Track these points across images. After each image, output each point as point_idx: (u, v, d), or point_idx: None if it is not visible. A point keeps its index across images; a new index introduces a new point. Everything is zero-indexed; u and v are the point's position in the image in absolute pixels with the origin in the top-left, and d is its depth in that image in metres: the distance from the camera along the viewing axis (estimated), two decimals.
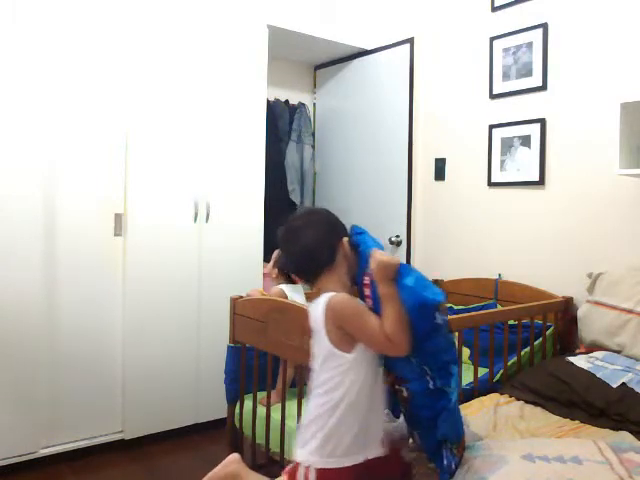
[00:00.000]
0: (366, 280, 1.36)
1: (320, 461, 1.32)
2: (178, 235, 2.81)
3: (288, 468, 1.40)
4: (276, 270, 2.45)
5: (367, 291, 1.36)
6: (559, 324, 2.50)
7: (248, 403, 2.28)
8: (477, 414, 1.90)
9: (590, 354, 2.16)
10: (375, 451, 1.35)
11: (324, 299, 1.33)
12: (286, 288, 2.38)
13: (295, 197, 3.71)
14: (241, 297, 2.34)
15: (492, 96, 2.91)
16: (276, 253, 2.47)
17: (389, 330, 1.26)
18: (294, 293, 2.40)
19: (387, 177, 3.42)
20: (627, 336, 2.14)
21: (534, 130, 2.71)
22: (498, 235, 2.89)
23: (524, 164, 2.76)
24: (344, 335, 1.31)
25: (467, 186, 3.04)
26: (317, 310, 1.35)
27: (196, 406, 2.90)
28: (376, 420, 1.37)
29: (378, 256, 1.31)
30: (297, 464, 1.37)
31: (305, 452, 1.35)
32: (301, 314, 1.98)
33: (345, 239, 1.43)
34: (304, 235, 1.41)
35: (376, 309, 1.32)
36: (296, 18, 3.20)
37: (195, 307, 2.88)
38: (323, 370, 1.34)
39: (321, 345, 1.34)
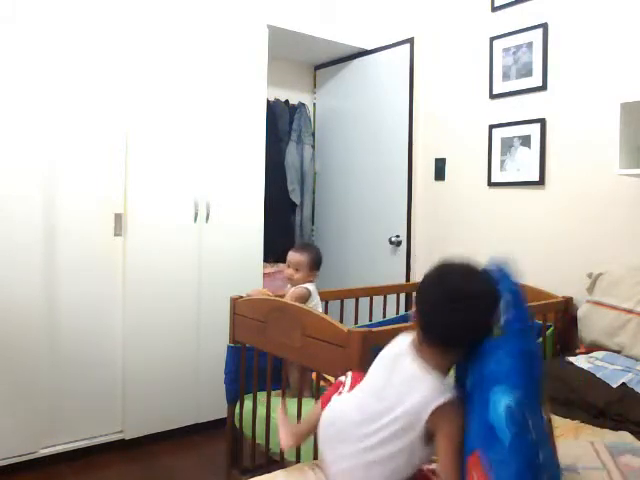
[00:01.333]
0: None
1: None
2: (178, 235, 2.81)
3: None
4: (307, 270, 2.40)
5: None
6: (559, 324, 2.50)
7: (248, 403, 2.28)
8: None
9: (590, 354, 2.16)
10: None
11: (442, 398, 1.20)
12: (312, 288, 2.37)
13: (295, 197, 3.71)
14: (241, 297, 2.34)
15: (492, 96, 2.91)
16: (296, 254, 2.40)
17: None
18: (315, 294, 2.39)
19: (387, 177, 3.42)
20: (627, 336, 2.14)
21: (534, 130, 2.71)
22: (498, 235, 2.89)
23: (524, 164, 2.76)
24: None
25: (467, 186, 3.04)
26: (423, 390, 1.22)
27: (196, 406, 2.91)
28: None
29: None
30: None
31: None
32: (301, 314, 1.99)
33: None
34: (485, 307, 1.20)
35: None
36: (296, 18, 3.20)
37: (195, 307, 2.88)
38: (394, 434, 1.23)
39: (410, 418, 1.22)
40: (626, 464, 1.33)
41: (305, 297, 2.32)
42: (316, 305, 2.36)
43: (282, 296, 2.41)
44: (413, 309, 1.30)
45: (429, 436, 1.21)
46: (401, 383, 1.25)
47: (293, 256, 2.41)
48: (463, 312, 1.19)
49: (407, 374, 1.25)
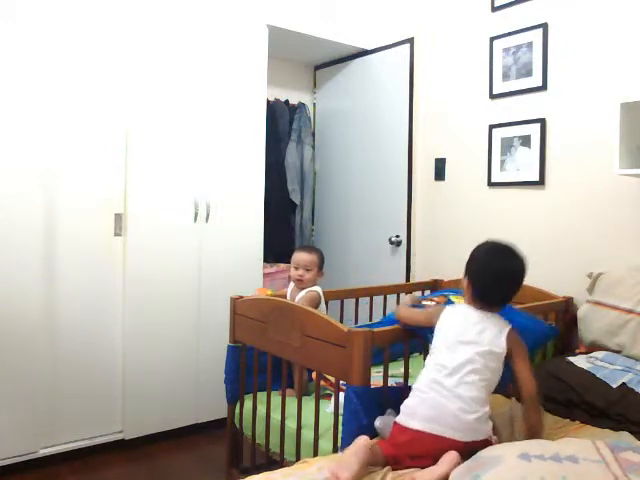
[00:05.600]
0: None
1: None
2: (178, 235, 2.81)
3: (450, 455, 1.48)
4: (317, 269, 2.41)
5: None
6: (559, 324, 2.50)
7: (248, 403, 2.28)
8: None
9: (590, 354, 2.16)
10: None
11: (507, 326, 1.68)
12: (321, 292, 2.37)
13: (295, 197, 3.71)
14: (241, 297, 2.34)
15: (492, 96, 2.90)
16: (307, 255, 2.40)
17: (534, 391, 1.64)
18: (323, 298, 2.39)
19: (387, 177, 3.42)
20: (627, 336, 2.14)
21: (534, 130, 2.71)
22: (498, 235, 2.86)
23: (524, 164, 2.76)
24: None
25: (467, 186, 3.04)
26: (498, 324, 1.67)
27: (196, 406, 2.91)
28: None
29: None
30: (477, 442, 1.52)
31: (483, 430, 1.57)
32: (301, 314, 1.99)
33: None
34: (523, 279, 1.73)
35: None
36: (296, 18, 3.20)
37: (195, 307, 2.88)
38: (483, 362, 1.61)
39: (493, 344, 1.63)
40: (626, 459, 1.33)
41: (317, 301, 2.32)
42: (323, 310, 2.37)
43: (282, 295, 2.41)
44: (465, 282, 1.75)
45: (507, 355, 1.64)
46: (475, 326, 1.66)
47: (303, 257, 2.39)
48: (514, 285, 1.69)
49: (476, 321, 1.67)
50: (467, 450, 1.49)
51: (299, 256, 2.40)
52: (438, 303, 1.98)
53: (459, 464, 1.44)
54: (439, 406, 1.56)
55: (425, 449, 1.53)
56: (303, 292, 2.35)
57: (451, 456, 1.47)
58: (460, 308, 1.76)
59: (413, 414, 1.58)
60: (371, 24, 3.50)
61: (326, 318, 1.90)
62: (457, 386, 1.58)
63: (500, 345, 1.63)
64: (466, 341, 1.64)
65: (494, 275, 1.71)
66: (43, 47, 2.44)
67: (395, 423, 1.62)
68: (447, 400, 1.56)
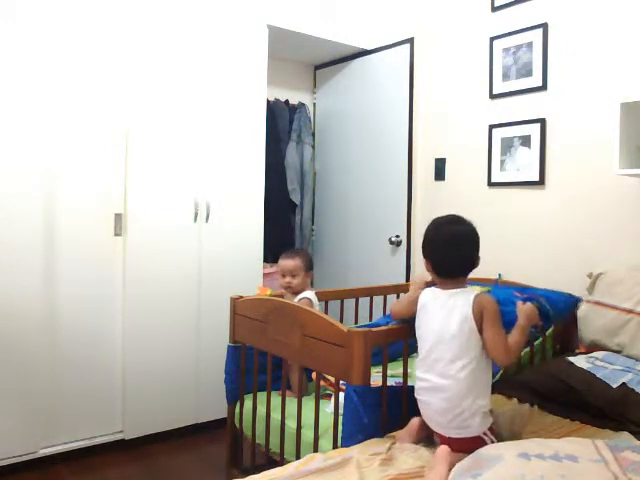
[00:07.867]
0: None
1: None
2: (178, 235, 2.81)
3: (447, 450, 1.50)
4: (303, 273, 2.39)
5: None
6: (559, 324, 2.50)
7: (248, 403, 2.28)
8: None
9: (590, 354, 2.16)
10: None
11: (473, 293, 1.63)
12: (313, 298, 2.36)
13: (295, 197, 3.71)
14: (241, 297, 2.34)
15: (492, 96, 2.91)
16: (290, 261, 2.37)
17: (512, 346, 1.58)
18: (316, 302, 2.38)
19: (387, 177, 3.42)
20: (627, 336, 2.14)
21: (534, 130, 2.71)
22: (498, 235, 2.89)
23: (524, 164, 2.76)
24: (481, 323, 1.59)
25: (467, 186, 3.04)
26: (463, 298, 1.62)
27: (196, 406, 2.90)
28: None
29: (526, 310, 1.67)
30: (470, 439, 1.54)
31: (477, 425, 1.56)
32: (301, 314, 1.99)
33: None
34: (475, 240, 1.67)
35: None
36: (296, 18, 3.20)
37: (195, 307, 2.88)
38: (464, 348, 1.56)
39: (463, 326, 1.57)
40: (625, 458, 1.34)
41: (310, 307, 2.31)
42: None
43: (280, 296, 2.41)
44: (425, 264, 1.70)
45: (480, 327, 1.57)
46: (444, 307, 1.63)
47: (287, 263, 2.37)
48: (468, 248, 1.65)
49: (444, 300, 1.64)
50: (457, 446, 1.51)
51: (283, 263, 2.38)
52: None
53: (454, 458, 1.47)
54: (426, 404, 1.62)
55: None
56: (295, 300, 2.32)
57: (442, 452, 1.49)
58: (430, 292, 1.71)
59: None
60: (371, 24, 3.50)
61: (326, 318, 1.90)
62: (438, 379, 1.58)
63: (468, 316, 1.57)
64: (437, 328, 1.61)
65: (445, 241, 1.65)
66: (43, 47, 2.44)
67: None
68: (431, 396, 1.59)
